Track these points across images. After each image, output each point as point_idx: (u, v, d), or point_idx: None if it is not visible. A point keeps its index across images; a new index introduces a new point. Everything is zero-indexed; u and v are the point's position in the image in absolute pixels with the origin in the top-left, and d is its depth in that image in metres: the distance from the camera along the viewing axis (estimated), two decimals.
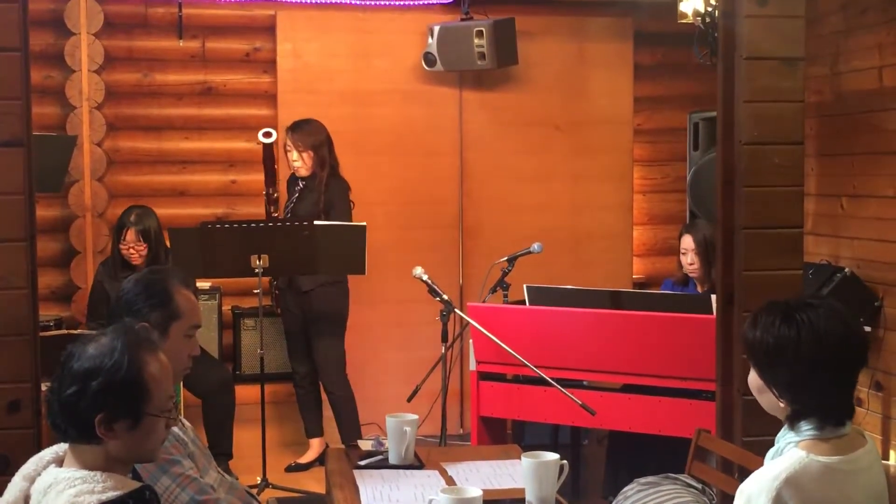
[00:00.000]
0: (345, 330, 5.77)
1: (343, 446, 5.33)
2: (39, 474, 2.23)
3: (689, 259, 5.10)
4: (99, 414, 2.15)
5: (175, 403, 2.33)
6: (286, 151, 5.64)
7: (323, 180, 5.60)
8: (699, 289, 5.13)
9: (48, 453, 2.30)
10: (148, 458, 2.31)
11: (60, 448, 2.29)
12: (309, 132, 5.63)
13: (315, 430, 5.85)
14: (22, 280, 3.13)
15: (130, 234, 5.40)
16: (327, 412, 5.87)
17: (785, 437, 2.43)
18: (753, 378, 2.48)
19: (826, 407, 2.38)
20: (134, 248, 5.40)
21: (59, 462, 2.25)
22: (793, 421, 2.41)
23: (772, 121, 3.45)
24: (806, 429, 2.39)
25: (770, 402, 2.46)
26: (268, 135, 5.53)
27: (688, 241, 5.11)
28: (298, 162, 5.62)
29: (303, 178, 5.67)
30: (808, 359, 2.35)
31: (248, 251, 5.15)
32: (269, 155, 5.58)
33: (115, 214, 5.95)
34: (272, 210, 5.68)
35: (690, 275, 5.15)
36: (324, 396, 5.84)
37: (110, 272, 5.49)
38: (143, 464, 2.46)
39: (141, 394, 2.19)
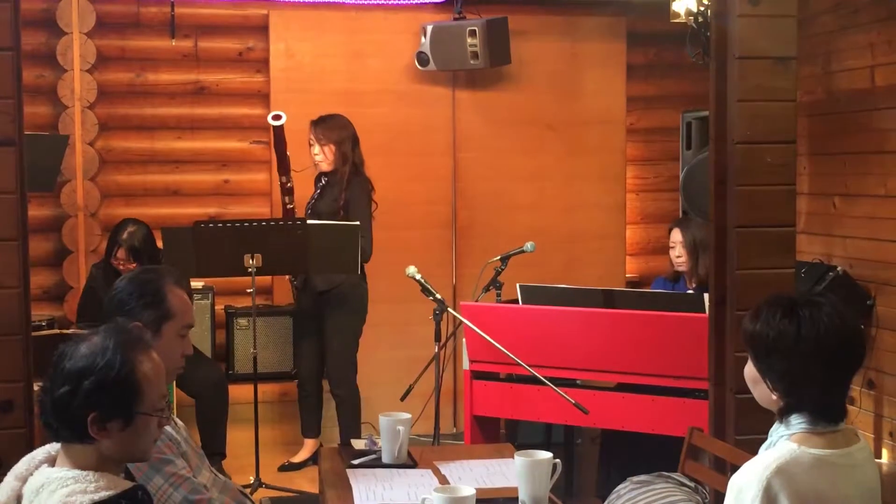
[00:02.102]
0: (360, 333, 5.73)
1: (336, 446, 5.33)
2: (31, 474, 2.23)
3: (677, 252, 5.13)
4: (91, 413, 2.15)
5: (168, 403, 2.33)
6: (309, 145, 5.60)
7: (344, 176, 5.56)
8: (689, 284, 5.15)
9: (40, 453, 2.29)
10: (141, 458, 2.31)
11: (53, 448, 2.28)
12: (332, 126, 5.59)
13: (312, 430, 5.84)
14: (14, 280, 3.13)
15: (121, 253, 5.39)
16: (325, 413, 5.86)
17: (777, 430, 2.45)
18: (749, 369, 2.50)
19: (817, 404, 2.39)
20: (124, 265, 5.38)
21: (52, 462, 2.25)
22: (784, 414, 2.43)
23: (764, 120, 3.45)
24: (797, 423, 2.40)
25: (763, 393, 2.47)
26: (277, 117, 5.44)
27: (676, 235, 5.15)
28: (320, 156, 5.58)
29: (326, 175, 5.64)
30: (805, 354, 2.37)
31: (242, 250, 5.14)
32: (279, 138, 5.48)
33: (108, 214, 5.96)
34: (287, 201, 5.58)
35: (678, 268, 5.17)
36: (325, 396, 5.83)
37: (103, 275, 5.47)
38: (136, 463, 2.46)
39: (133, 393, 2.18)
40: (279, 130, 5.48)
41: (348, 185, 5.56)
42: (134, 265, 5.37)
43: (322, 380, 5.82)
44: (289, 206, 5.60)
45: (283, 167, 5.54)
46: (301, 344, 5.83)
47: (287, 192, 5.58)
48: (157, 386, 2.24)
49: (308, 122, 5.64)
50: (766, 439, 2.49)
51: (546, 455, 2.96)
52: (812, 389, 2.38)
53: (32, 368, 3.16)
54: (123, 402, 2.18)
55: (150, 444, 2.27)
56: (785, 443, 2.38)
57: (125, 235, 5.40)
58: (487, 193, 6.64)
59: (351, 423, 5.66)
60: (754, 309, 2.49)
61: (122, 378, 2.17)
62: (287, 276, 5.83)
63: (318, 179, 5.72)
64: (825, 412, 2.40)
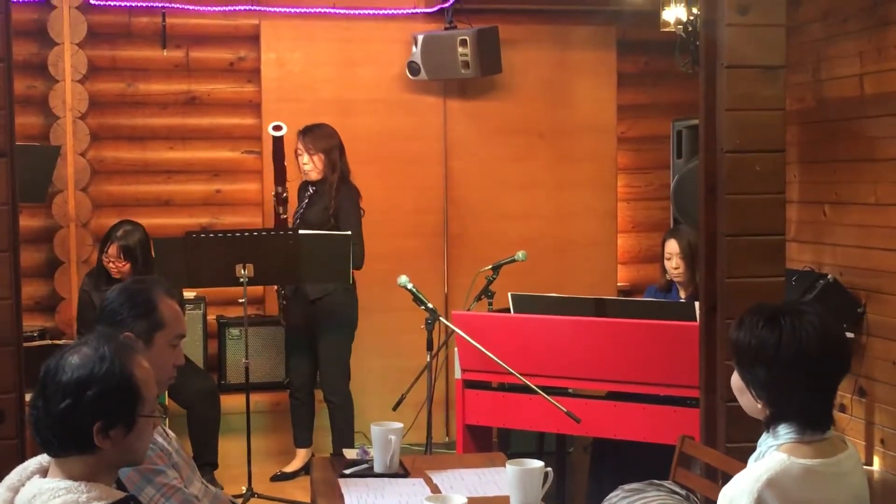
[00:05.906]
0: (353, 339, 5.75)
1: (328, 455, 5.33)
2: (23, 485, 2.22)
3: (675, 263, 5.12)
4: (96, 422, 2.15)
5: (162, 407, 2.34)
6: (297, 155, 5.61)
7: (333, 185, 5.58)
8: (682, 294, 5.15)
9: (32, 463, 2.29)
10: (138, 460, 2.31)
11: (45, 458, 2.28)
12: (320, 135, 5.62)
13: (304, 440, 5.84)
14: (6, 290, 3.13)
15: (113, 249, 5.38)
16: (317, 422, 5.86)
17: (766, 440, 2.45)
18: (735, 378, 2.51)
19: (803, 412, 2.40)
20: (114, 263, 5.37)
21: (44, 472, 2.24)
22: (771, 424, 2.43)
23: (753, 129, 3.47)
24: (785, 433, 2.41)
25: (749, 402, 2.49)
26: (277, 128, 5.46)
27: (672, 246, 5.13)
28: (309, 165, 5.60)
29: (314, 184, 5.65)
30: (787, 362, 2.37)
31: (233, 260, 5.15)
32: (278, 149, 5.50)
33: (100, 224, 5.95)
34: (281, 211, 5.59)
35: (675, 280, 5.16)
36: (318, 406, 5.83)
37: (95, 282, 5.47)
38: (128, 474, 2.46)
39: (135, 397, 2.20)
40: (279, 141, 5.49)
41: (337, 194, 5.58)
42: (126, 265, 5.35)
43: (314, 389, 5.82)
44: (282, 216, 5.61)
45: (281, 178, 5.55)
46: (294, 353, 5.83)
47: (282, 202, 5.60)
48: (152, 388, 2.26)
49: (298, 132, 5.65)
50: (755, 447, 2.50)
51: (538, 463, 2.97)
52: (796, 398, 2.39)
53: (24, 379, 3.16)
54: (127, 407, 2.19)
55: (147, 445, 2.30)
56: (774, 453, 2.39)
57: (119, 233, 5.40)
58: (479, 202, 6.65)
59: (344, 429, 5.67)
60: (738, 317, 2.51)
61: (124, 384, 2.18)
62: (275, 287, 5.83)
63: (303, 189, 5.73)
64: (811, 421, 2.40)
